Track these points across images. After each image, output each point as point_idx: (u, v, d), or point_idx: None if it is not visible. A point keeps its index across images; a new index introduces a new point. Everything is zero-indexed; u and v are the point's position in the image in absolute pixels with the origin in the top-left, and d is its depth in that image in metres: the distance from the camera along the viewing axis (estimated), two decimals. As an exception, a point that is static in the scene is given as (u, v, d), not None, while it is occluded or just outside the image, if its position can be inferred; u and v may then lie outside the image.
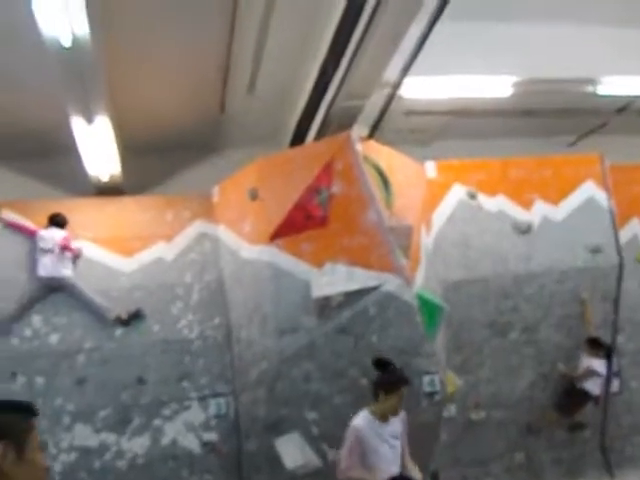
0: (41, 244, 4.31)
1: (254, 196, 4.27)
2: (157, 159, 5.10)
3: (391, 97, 4.05)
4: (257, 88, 4.47)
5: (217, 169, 4.96)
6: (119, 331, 4.32)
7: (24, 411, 1.32)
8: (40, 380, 4.11)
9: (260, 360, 4.08)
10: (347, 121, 4.31)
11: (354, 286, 3.77)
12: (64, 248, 4.31)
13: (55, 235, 4.36)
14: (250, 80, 4.40)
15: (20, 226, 4.40)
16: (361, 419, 2.77)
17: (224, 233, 4.56)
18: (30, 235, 4.39)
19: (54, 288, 4.32)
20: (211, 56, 4.11)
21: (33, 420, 1.31)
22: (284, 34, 3.97)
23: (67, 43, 2.99)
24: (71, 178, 4.87)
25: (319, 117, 4.43)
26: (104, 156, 4.34)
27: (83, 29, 2.91)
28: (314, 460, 3.88)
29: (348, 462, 2.69)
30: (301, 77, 4.44)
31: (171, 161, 5.24)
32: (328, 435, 3.78)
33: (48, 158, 4.85)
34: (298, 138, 4.85)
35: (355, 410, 3.72)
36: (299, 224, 3.99)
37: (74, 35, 2.94)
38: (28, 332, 4.21)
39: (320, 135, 4.47)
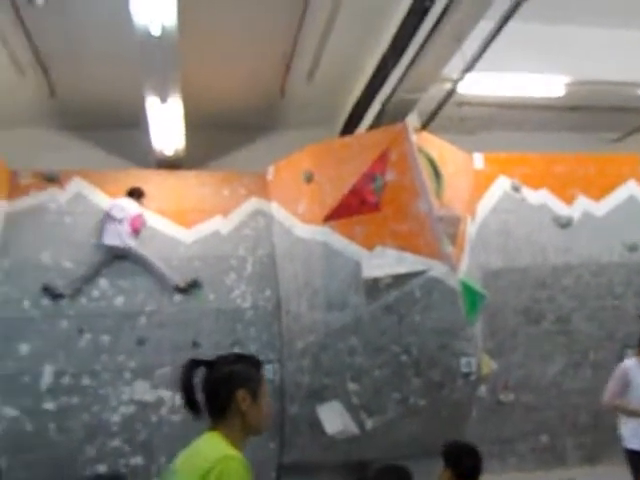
0: (113, 212, 4.89)
1: (309, 179, 4.92)
2: (217, 137, 5.83)
3: (450, 92, 4.60)
4: (316, 76, 5.13)
5: (272, 149, 5.61)
6: (178, 297, 4.96)
7: (258, 364, 1.75)
8: (105, 338, 4.76)
9: (307, 332, 4.64)
10: (401, 112, 4.91)
11: (402, 269, 4.27)
12: (133, 229, 4.90)
13: (129, 207, 4.95)
14: (311, 68, 5.05)
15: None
16: (630, 361, 3.58)
17: (277, 211, 5.20)
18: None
19: (119, 255, 4.94)
20: (278, 43, 4.77)
21: (263, 371, 1.75)
22: (349, 27, 4.60)
23: (156, 32, 3.67)
24: (136, 151, 5.62)
25: (374, 107, 5.05)
26: (171, 132, 5.02)
27: (172, 20, 3.59)
28: (352, 427, 4.41)
29: (612, 392, 3.47)
30: (359, 69, 5.07)
31: (230, 139, 5.96)
32: (367, 405, 4.32)
33: (117, 131, 5.61)
34: (351, 125, 5.50)
35: (393, 383, 4.43)
36: (353, 208, 4.54)
37: (163, 25, 3.63)
38: (96, 293, 4.87)
39: (374, 124, 5.09)
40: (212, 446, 1.60)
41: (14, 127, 5.51)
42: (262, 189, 5.29)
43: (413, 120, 4.96)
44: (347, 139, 5.10)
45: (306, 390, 4.49)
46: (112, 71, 4.78)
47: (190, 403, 1.68)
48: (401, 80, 4.44)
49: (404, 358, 4.31)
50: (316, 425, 4.36)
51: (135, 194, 5.03)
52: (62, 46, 4.67)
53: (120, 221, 4.86)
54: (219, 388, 1.67)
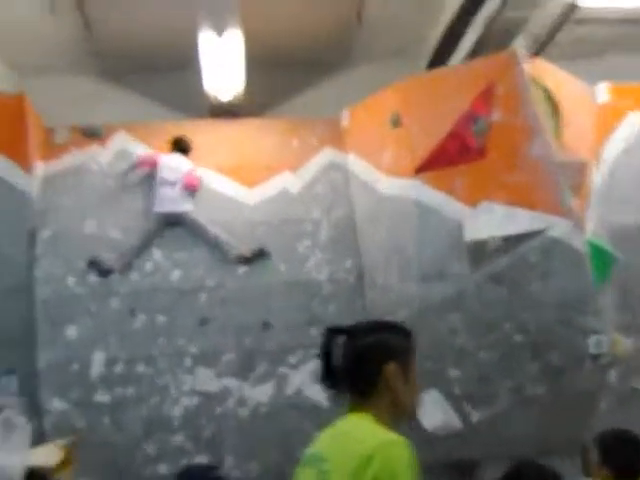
0: (163, 173, 5.38)
1: (396, 122, 5.33)
2: (282, 77, 6.36)
3: (568, 7, 4.91)
4: None
5: (347, 90, 6.10)
6: (242, 270, 5.46)
7: (408, 333, 1.85)
8: (161, 318, 5.25)
9: (398, 308, 4.93)
10: (507, 36, 5.27)
11: (514, 229, 4.50)
12: (188, 186, 5.41)
13: (180, 165, 5.40)
14: None
15: (145, 161, 5.57)
16: None
17: (356, 163, 5.63)
18: (152, 166, 5.53)
19: (173, 222, 5.43)
20: None
21: (413, 342, 1.83)
22: None
23: None
24: (188, 97, 6.20)
25: (473, 31, 5.42)
26: (229, 73, 5.54)
27: None
28: (455, 421, 4.67)
29: None
30: None
31: (297, 80, 6.52)
32: (472, 395, 4.61)
33: (165, 75, 6.27)
34: (442, 55, 5.88)
35: (504, 368, 4.68)
36: (451, 156, 4.83)
37: None
38: (149, 266, 5.39)
39: (473, 53, 5.47)
40: (367, 429, 1.70)
41: (46, 75, 6.22)
42: (337, 138, 5.74)
43: (521, 45, 5.32)
44: (442, 72, 5.51)
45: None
46: (158, 2, 5.35)
47: (330, 378, 1.84)
48: None
49: (517, 338, 4.58)
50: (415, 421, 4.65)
51: (181, 146, 5.49)
52: None
53: (173, 184, 5.37)
54: (365, 360, 1.79)
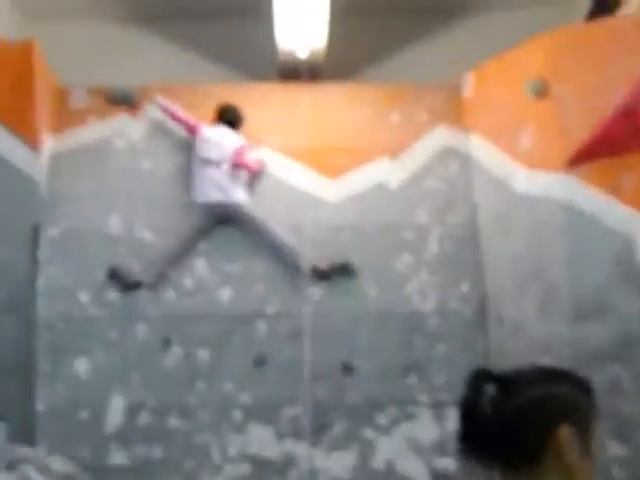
0: (203, 151, 5.27)
1: (540, 91, 4.98)
2: (377, 28, 6.27)
3: None
4: None
5: (467, 45, 5.94)
6: (317, 291, 5.29)
7: (587, 387, 1.72)
8: (203, 354, 5.16)
9: (536, 355, 4.72)
10: None
11: None
12: (238, 165, 5.27)
13: (226, 140, 5.30)
14: None
15: (178, 116, 5.43)
16: None
17: (481, 149, 5.43)
18: (190, 131, 5.41)
19: (222, 220, 5.31)
20: None
21: (594, 400, 1.69)
22: None
23: None
24: (249, 53, 6.19)
25: None
26: (308, 20, 5.28)
27: None
28: None
29: None
30: None
31: (399, 31, 6.34)
32: None
33: (217, 22, 6.21)
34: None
35: None
36: (618, 142, 4.62)
37: None
38: (189, 282, 5.31)
39: None
40: None
41: (63, 20, 6.15)
42: (454, 112, 5.59)
43: None
44: (606, 23, 5.07)
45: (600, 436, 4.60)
46: None
47: (472, 440, 1.72)
48: None
49: None
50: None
51: (228, 117, 5.43)
52: None
53: (218, 164, 5.24)
54: (528, 421, 1.68)
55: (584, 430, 1.65)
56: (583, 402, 1.71)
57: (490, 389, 1.74)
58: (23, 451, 4.46)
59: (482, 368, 1.78)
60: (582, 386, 1.75)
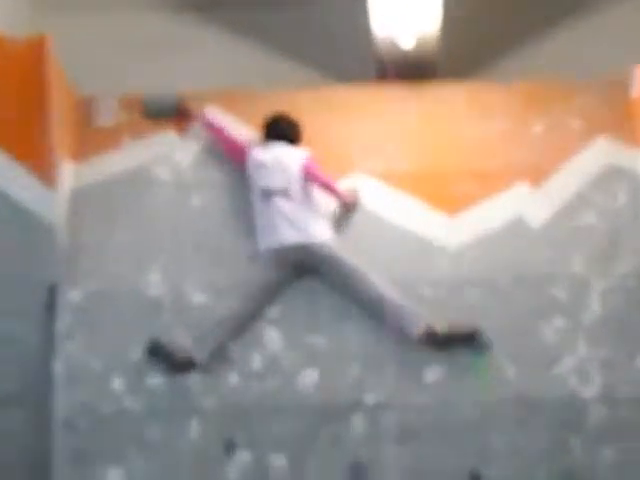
0: (262, 179, 4.68)
1: None
2: (504, 9, 5.72)
3: None
4: None
5: (636, 29, 5.47)
6: (434, 372, 4.50)
7: None
8: (279, 461, 4.42)
9: None
10: None
11: None
12: (311, 176, 4.65)
13: (288, 159, 4.69)
14: None
15: (220, 132, 5.00)
16: None
17: None
18: (236, 154, 4.90)
19: (301, 270, 4.65)
20: None
21: None
22: None
23: None
24: (338, 45, 5.58)
25: None
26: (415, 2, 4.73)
27: None
28: None
29: None
30: None
31: (534, 13, 5.78)
32: None
33: (286, 10, 5.68)
34: None
35: None
36: None
37: None
38: (257, 362, 4.59)
39: None
40: None
41: (85, 10, 5.69)
42: (618, 118, 5.05)
43: None
44: None
45: None
46: None
47: None
48: None
49: None
50: None
51: (282, 130, 4.91)
52: None
53: (285, 192, 4.64)
54: None
55: None
56: None
57: None
58: None
59: None
60: None
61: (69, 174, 5.04)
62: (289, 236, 4.64)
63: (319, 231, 4.68)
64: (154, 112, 5.16)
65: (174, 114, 5.20)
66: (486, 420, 4.54)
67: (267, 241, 4.68)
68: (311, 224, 4.68)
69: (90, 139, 5.15)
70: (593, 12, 5.98)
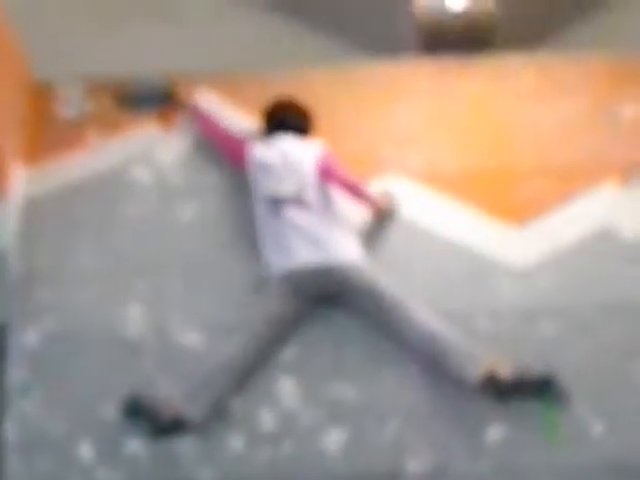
0: (268, 185, 4.22)
1: None
2: None
3: None
4: None
5: None
6: (495, 429, 3.92)
7: None
8: None
9: None
10: None
11: None
12: (327, 174, 4.19)
13: (300, 156, 4.25)
14: None
15: (214, 128, 4.60)
16: None
17: None
18: (234, 153, 4.46)
19: (320, 298, 4.16)
20: None
21: None
22: None
23: None
24: (370, 12, 5.16)
25: None
26: None
27: None
28: None
29: None
30: None
31: None
32: None
33: None
34: None
35: None
36: None
37: None
38: (268, 421, 4.04)
39: None
40: None
41: None
42: None
43: None
44: None
45: None
46: None
47: None
48: None
49: None
50: None
51: (288, 123, 4.44)
52: None
53: (299, 200, 4.20)
54: None
55: None
56: None
57: None
58: None
59: None
60: None
61: (22, 182, 4.52)
62: (306, 256, 4.08)
63: (344, 248, 4.12)
64: (134, 101, 4.62)
65: (160, 103, 4.65)
66: None
67: (278, 263, 4.11)
68: (333, 240, 4.12)
69: (50, 136, 4.60)
70: None
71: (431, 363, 4.02)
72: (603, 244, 4.29)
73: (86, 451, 4.00)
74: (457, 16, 4.87)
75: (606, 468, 3.96)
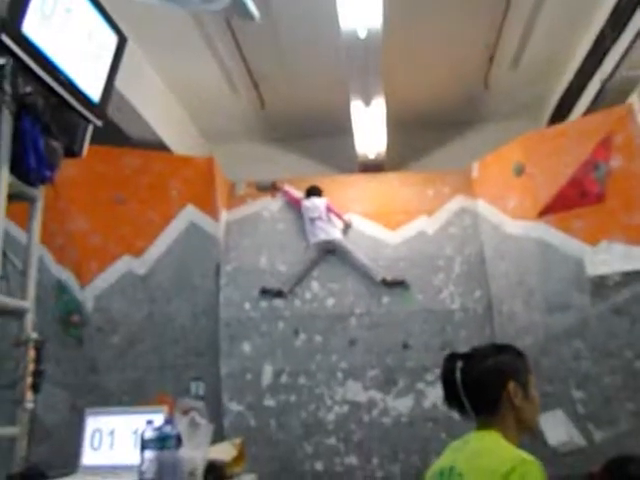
0: (309, 213, 6.02)
1: (520, 172, 5.69)
2: (418, 136, 7.07)
3: None
4: (521, 62, 6.09)
5: (474, 146, 6.75)
6: (386, 299, 5.84)
7: (522, 354, 1.85)
8: (318, 338, 5.71)
9: (524, 334, 5.13)
10: (622, 93, 5.52)
11: (633, 266, 4.61)
12: (329, 210, 5.96)
13: (317, 203, 6.01)
14: (515, 55, 6.07)
15: (289, 194, 6.27)
16: None
17: (484, 208, 5.99)
18: (296, 203, 6.16)
19: (328, 251, 5.97)
20: (480, 36, 5.83)
21: (528, 362, 1.84)
22: (557, 7, 5.43)
23: (362, 35, 4.75)
24: (341, 156, 7.12)
25: (590, 90, 5.80)
26: (374, 134, 6.31)
27: (377, 22, 4.58)
28: (578, 438, 4.71)
29: None
30: (570, 49, 5.89)
31: (431, 138, 7.17)
32: (595, 415, 4.68)
33: (322, 139, 7.12)
34: (560, 113, 6.35)
35: (626, 392, 4.76)
36: (572, 200, 5.02)
37: (368, 27, 4.67)
38: (308, 295, 5.91)
39: (590, 109, 5.82)
40: (501, 447, 1.71)
41: (230, 141, 7.26)
42: (467, 187, 6.14)
43: (636, 101, 5.38)
44: (562, 126, 5.83)
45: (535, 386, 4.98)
46: (318, 81, 6.23)
47: (455, 399, 1.84)
48: (624, 56, 5.10)
49: (639, 364, 4.67)
50: (537, 435, 4.37)
51: (314, 191, 6.12)
52: (271, 60, 6.10)
53: (319, 218, 5.93)
54: (487, 382, 1.78)
55: (524, 383, 1.82)
56: (521, 365, 1.86)
57: (459, 363, 1.86)
58: (193, 402, 4.85)
59: (452, 352, 1.92)
60: (519, 355, 1.89)
61: (224, 215, 6.22)
62: (323, 236, 5.91)
63: (336, 234, 5.94)
64: (261, 188, 6.33)
65: (270, 188, 6.32)
66: (409, 319, 5.76)
67: (313, 239, 5.97)
68: (332, 231, 5.94)
69: (234, 200, 6.36)
70: (459, 137, 7.30)
71: (363, 273, 5.82)
72: (422, 237, 6.19)
73: (247, 306, 5.82)
74: (372, 159, 6.72)
75: (424, 312, 5.85)
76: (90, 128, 2.74)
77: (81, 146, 2.70)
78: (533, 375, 1.87)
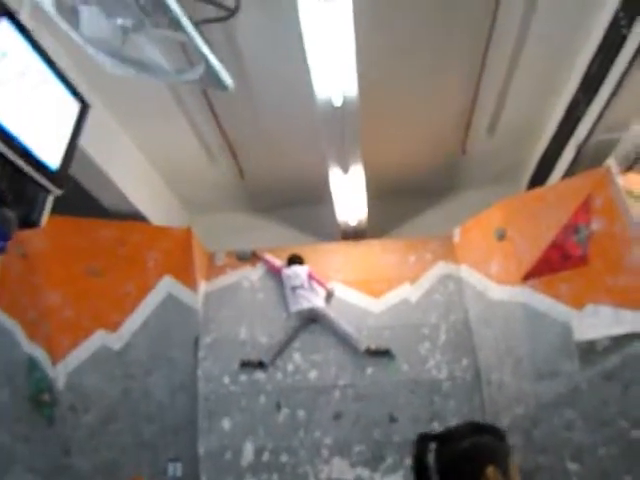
0: (290, 282, 5.92)
1: (502, 236, 5.66)
2: (398, 203, 7.01)
3: None
4: (498, 129, 6.10)
5: (455, 212, 6.59)
6: (370, 369, 5.69)
7: (502, 435, 1.71)
8: (301, 413, 5.53)
9: (514, 404, 5.01)
10: (599, 156, 5.45)
11: (622, 329, 4.46)
12: (311, 278, 5.89)
13: (298, 271, 5.94)
14: (491, 121, 6.08)
15: (270, 263, 6.18)
16: None
17: (468, 274, 5.96)
18: (276, 272, 6.08)
19: (310, 319, 5.85)
20: (456, 103, 5.79)
21: (508, 444, 1.70)
22: (531, 72, 5.39)
23: (338, 103, 4.70)
24: (322, 225, 6.97)
25: (567, 154, 5.79)
26: (354, 202, 6.23)
27: (353, 90, 4.56)
28: None
29: None
30: (545, 113, 5.88)
31: (411, 205, 7.11)
32: None
33: (303, 208, 7.05)
34: (538, 177, 6.30)
35: (623, 463, 4.55)
36: (555, 264, 4.96)
37: (344, 95, 4.63)
38: (290, 367, 5.75)
39: (568, 173, 5.80)
40: None
41: (210, 211, 7.15)
42: (449, 252, 6.13)
43: (613, 164, 5.36)
44: (541, 190, 5.78)
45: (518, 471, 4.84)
46: (296, 149, 6.17)
47: None
48: (598, 120, 5.05)
49: (635, 434, 4.43)
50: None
51: (295, 260, 6.08)
52: (248, 130, 6.03)
53: (301, 286, 5.84)
54: (463, 466, 1.65)
55: (505, 467, 1.69)
56: (501, 447, 1.72)
57: (432, 445, 1.72)
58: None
59: (424, 432, 1.77)
60: (499, 435, 1.76)
61: (203, 286, 6.14)
62: (304, 304, 5.81)
63: (317, 302, 5.84)
64: (241, 257, 6.29)
65: (250, 257, 6.29)
66: (395, 391, 5.65)
67: (294, 308, 5.88)
68: (314, 299, 5.85)
69: (213, 270, 6.31)
70: (439, 204, 7.22)
71: (347, 344, 5.70)
72: (405, 304, 6.06)
73: (226, 380, 5.75)
74: (353, 226, 6.61)
75: (410, 382, 5.68)
76: (50, 197, 2.58)
77: (39, 215, 2.51)
78: (514, 458, 1.73)
